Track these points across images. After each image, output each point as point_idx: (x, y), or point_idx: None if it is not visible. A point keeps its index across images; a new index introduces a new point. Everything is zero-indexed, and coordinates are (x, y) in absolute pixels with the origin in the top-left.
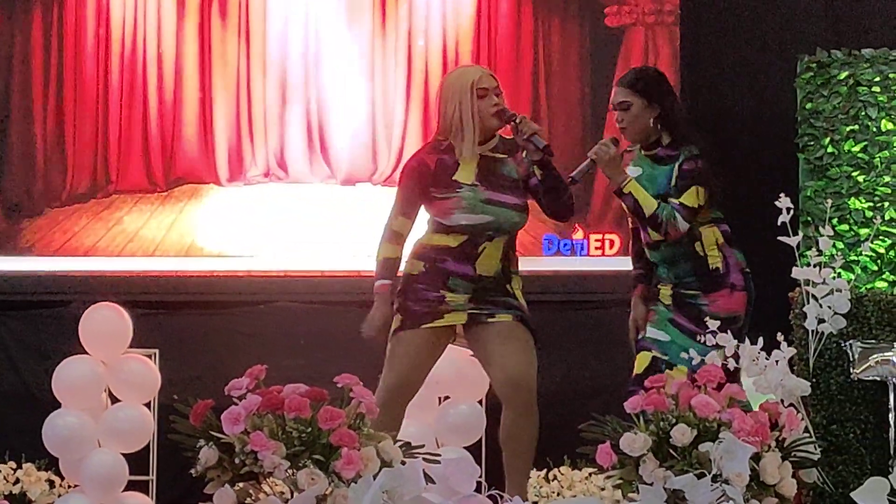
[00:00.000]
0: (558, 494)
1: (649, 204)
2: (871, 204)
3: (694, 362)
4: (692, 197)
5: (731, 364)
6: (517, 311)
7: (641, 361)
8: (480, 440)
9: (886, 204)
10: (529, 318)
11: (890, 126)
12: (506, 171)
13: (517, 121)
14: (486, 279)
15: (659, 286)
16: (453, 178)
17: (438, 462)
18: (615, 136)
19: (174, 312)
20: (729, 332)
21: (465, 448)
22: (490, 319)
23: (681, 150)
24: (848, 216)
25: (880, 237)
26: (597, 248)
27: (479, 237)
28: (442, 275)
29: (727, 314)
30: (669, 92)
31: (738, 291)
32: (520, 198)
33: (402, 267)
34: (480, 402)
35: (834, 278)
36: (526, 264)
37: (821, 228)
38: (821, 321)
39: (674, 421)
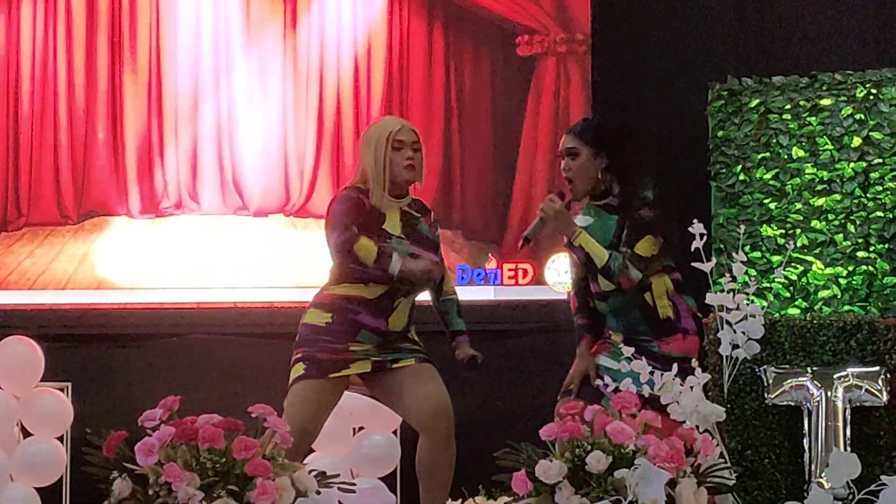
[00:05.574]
0: None
1: (600, 255)
2: (783, 231)
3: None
4: (645, 246)
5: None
6: (419, 353)
7: None
8: (395, 470)
9: (798, 231)
10: (429, 356)
11: (801, 153)
12: (423, 230)
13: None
14: (394, 333)
15: (610, 333)
16: (382, 226)
17: (354, 492)
18: (561, 191)
19: (86, 345)
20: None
21: (379, 479)
22: (394, 365)
23: (633, 199)
24: (760, 243)
25: (792, 264)
26: (510, 278)
27: (397, 291)
28: (352, 326)
29: (679, 354)
30: (621, 144)
31: (691, 336)
32: (437, 255)
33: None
34: (395, 432)
35: (748, 304)
36: None
37: (733, 255)
38: (735, 347)
39: (589, 448)
